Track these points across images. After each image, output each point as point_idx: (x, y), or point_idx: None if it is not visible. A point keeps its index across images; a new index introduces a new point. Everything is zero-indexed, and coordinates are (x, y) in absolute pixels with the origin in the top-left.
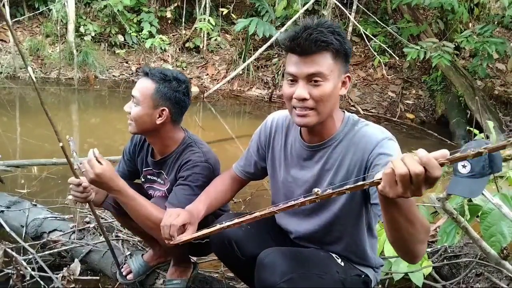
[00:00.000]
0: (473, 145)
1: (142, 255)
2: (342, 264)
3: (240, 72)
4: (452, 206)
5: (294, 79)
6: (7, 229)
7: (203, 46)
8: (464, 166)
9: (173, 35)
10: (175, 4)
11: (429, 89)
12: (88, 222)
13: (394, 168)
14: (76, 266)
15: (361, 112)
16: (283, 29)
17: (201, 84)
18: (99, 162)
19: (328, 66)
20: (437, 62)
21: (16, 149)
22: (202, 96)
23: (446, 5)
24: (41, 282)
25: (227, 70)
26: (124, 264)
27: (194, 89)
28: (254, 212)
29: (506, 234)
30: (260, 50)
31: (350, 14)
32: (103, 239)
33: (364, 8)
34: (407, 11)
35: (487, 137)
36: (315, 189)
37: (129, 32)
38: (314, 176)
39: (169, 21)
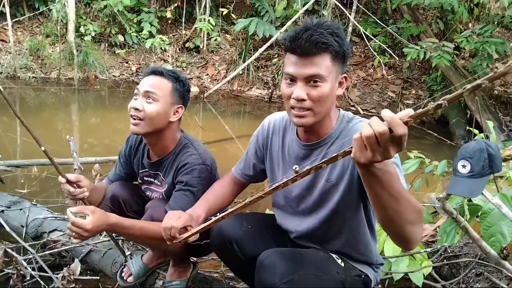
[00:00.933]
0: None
1: (142, 255)
2: (342, 264)
3: (240, 72)
4: (452, 206)
5: (293, 79)
6: (7, 229)
7: (203, 46)
8: (464, 166)
9: (173, 35)
10: (175, 4)
11: (429, 89)
12: None
13: (362, 132)
14: (76, 266)
15: (361, 112)
16: (283, 29)
17: (201, 84)
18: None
19: (327, 67)
20: (437, 62)
21: (16, 149)
22: (202, 96)
23: (446, 5)
24: (41, 282)
25: (227, 70)
26: (124, 267)
27: (194, 89)
28: (245, 200)
29: (506, 234)
30: (260, 50)
31: (350, 14)
32: (103, 239)
33: (364, 8)
34: (407, 11)
35: (487, 137)
36: (294, 166)
37: (129, 32)
38: (311, 175)
39: (169, 21)
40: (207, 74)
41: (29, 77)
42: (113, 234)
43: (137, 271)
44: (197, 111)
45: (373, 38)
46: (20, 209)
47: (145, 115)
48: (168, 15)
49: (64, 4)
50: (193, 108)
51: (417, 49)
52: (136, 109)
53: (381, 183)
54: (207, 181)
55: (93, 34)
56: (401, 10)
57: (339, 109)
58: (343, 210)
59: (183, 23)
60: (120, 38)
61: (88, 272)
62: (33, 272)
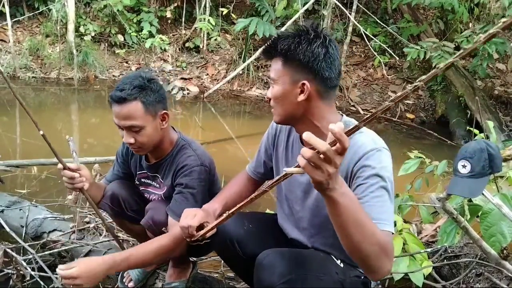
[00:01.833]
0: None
1: None
2: (342, 265)
3: (240, 72)
4: (452, 206)
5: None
6: (7, 229)
7: (203, 46)
8: (464, 166)
9: (173, 35)
10: (175, 4)
11: (429, 89)
12: (88, 222)
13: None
14: None
15: (361, 112)
16: (283, 28)
17: (201, 84)
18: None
19: (277, 71)
20: (437, 62)
21: (16, 149)
22: (202, 96)
23: (446, 5)
24: (41, 282)
25: (227, 70)
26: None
27: (194, 89)
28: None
29: (506, 234)
30: (260, 50)
31: (350, 14)
32: (103, 239)
33: (364, 8)
34: (407, 11)
35: (487, 137)
36: (284, 169)
37: (129, 32)
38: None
39: (169, 21)
40: (207, 74)
41: (29, 77)
42: (115, 231)
43: (136, 276)
44: (197, 111)
45: (373, 38)
46: (20, 209)
47: (141, 144)
48: (168, 15)
49: (64, 4)
50: (193, 108)
51: (417, 49)
52: (130, 143)
53: (343, 208)
54: (206, 182)
55: (93, 34)
56: (401, 10)
57: (341, 114)
58: None
59: (183, 23)
60: (120, 38)
61: None
62: (32, 272)
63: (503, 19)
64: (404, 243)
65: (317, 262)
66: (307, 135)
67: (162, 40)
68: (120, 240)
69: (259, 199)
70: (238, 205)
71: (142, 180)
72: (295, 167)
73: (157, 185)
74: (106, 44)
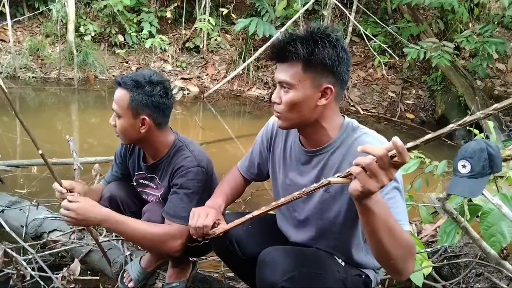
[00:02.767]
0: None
1: (141, 258)
2: (343, 264)
3: (240, 72)
4: (452, 206)
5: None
6: (7, 229)
7: (203, 46)
8: (464, 166)
9: (173, 35)
10: (175, 4)
11: (429, 89)
12: None
13: (360, 161)
14: (76, 266)
15: (361, 112)
16: (283, 29)
17: (201, 84)
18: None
19: (295, 75)
20: (437, 62)
21: (16, 149)
22: (202, 96)
23: (446, 5)
24: (41, 282)
25: (227, 70)
26: (125, 271)
27: (194, 89)
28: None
29: (506, 234)
30: (260, 50)
31: (350, 14)
32: (103, 239)
33: (364, 8)
34: (407, 11)
35: (487, 137)
36: (329, 178)
37: (129, 32)
38: (311, 181)
39: (169, 21)
40: (207, 74)
41: (29, 77)
42: (109, 238)
43: (136, 277)
44: (197, 111)
45: (373, 38)
46: (20, 209)
47: (118, 131)
48: (168, 15)
49: (64, 4)
50: (193, 108)
51: (417, 49)
52: (112, 125)
53: (376, 216)
54: (203, 183)
55: (93, 34)
56: (401, 10)
57: (343, 116)
58: (342, 221)
59: (183, 23)
60: (120, 38)
61: (88, 272)
62: (33, 272)
63: None
64: None
65: (319, 260)
66: (362, 147)
67: (162, 40)
68: (120, 240)
69: (259, 199)
70: (265, 208)
71: (140, 181)
72: (341, 177)
73: (154, 186)
74: (106, 44)
